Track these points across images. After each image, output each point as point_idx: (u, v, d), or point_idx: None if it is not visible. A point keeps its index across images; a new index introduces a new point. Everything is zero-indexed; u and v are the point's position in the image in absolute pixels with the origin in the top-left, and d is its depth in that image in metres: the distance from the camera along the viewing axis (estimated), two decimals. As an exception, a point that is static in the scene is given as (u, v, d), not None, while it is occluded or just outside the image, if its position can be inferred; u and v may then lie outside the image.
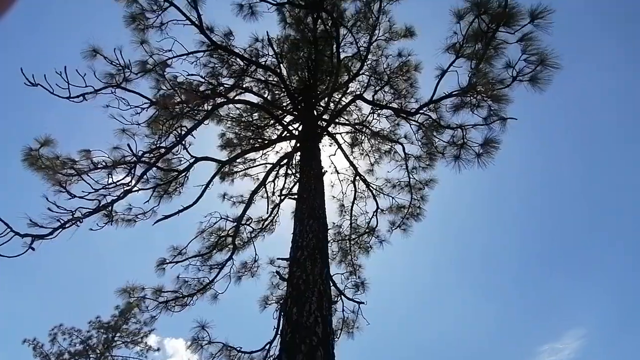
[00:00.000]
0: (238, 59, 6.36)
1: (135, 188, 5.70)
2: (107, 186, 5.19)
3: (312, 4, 5.47)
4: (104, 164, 5.20)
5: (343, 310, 6.43)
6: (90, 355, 15.33)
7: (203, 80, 6.14)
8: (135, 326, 16.48)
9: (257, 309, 6.72)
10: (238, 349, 5.49)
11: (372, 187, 7.08)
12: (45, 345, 15.19)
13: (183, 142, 5.70)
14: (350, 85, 7.00)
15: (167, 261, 6.29)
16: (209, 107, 6.05)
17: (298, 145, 6.64)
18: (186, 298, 6.24)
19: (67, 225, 4.81)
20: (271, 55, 6.50)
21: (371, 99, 6.50)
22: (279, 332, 4.26)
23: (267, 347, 5.44)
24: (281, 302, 6.28)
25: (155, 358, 16.16)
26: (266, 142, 7.33)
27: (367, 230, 7.12)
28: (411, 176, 6.68)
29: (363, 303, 6.33)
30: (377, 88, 6.56)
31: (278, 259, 6.41)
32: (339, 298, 6.33)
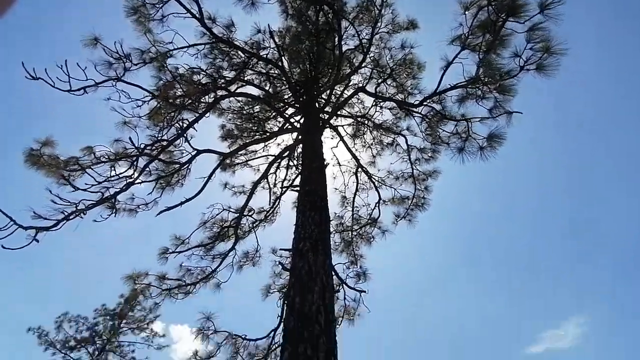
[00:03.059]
0: (239, 52, 6.31)
1: (138, 180, 5.77)
2: (110, 179, 5.26)
3: (313, -5, 5.40)
4: (106, 157, 5.25)
5: (345, 298, 6.55)
6: (97, 342, 15.63)
7: (204, 72, 6.12)
8: (141, 313, 16.78)
9: (260, 297, 6.84)
10: (243, 336, 5.62)
11: (375, 179, 7.10)
12: (50, 333, 15.37)
13: (185, 135, 5.72)
14: (352, 77, 6.96)
15: (170, 250, 6.37)
16: (211, 100, 6.04)
17: (300, 137, 6.64)
18: (189, 286, 6.34)
19: (71, 217, 4.90)
20: (273, 48, 6.45)
21: (374, 92, 6.47)
22: (283, 321, 4.36)
23: (271, 334, 5.57)
24: (284, 291, 6.38)
25: (161, 343, 16.45)
26: (268, 134, 7.32)
27: (369, 222, 7.17)
28: (414, 167, 6.69)
29: (364, 292, 6.43)
30: (379, 80, 6.52)
31: (280, 249, 6.49)
32: (341, 287, 6.43)
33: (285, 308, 4.25)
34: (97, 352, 15.39)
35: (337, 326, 6.28)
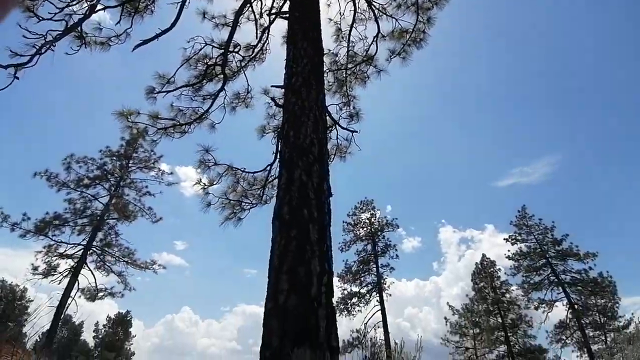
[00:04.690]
0: None
1: (100, 6, 5.02)
2: (70, 3, 4.77)
3: None
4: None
5: (337, 137, 6.83)
6: (110, 179, 17.18)
7: None
8: (145, 154, 17.88)
9: (256, 137, 7.08)
10: (242, 169, 6.12)
11: (375, 6, 6.19)
12: (60, 175, 15.77)
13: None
14: None
15: (157, 90, 6.14)
16: None
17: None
18: (184, 126, 6.44)
19: (42, 51, 4.75)
20: None
21: None
22: (279, 154, 4.66)
23: (268, 168, 6.07)
24: (278, 130, 6.57)
25: (170, 181, 18.22)
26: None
27: (365, 59, 6.70)
28: (420, -8, 5.75)
29: (356, 132, 6.66)
30: None
31: (272, 86, 6.28)
32: (334, 127, 6.61)
33: (280, 143, 4.45)
34: (112, 188, 17.04)
35: (330, 162, 6.80)
